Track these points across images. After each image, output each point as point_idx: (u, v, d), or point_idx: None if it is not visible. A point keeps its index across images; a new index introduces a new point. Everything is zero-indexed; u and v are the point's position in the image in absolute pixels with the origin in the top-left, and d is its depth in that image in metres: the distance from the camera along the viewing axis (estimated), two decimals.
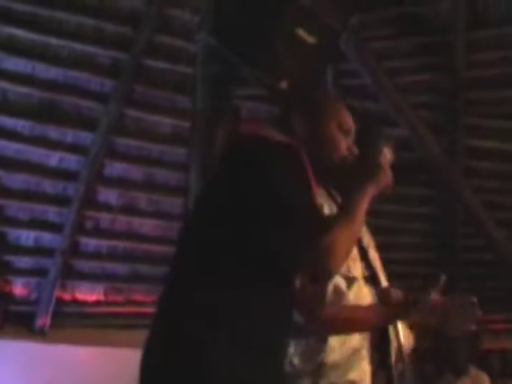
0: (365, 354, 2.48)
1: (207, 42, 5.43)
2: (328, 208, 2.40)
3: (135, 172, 7.16)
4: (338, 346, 2.42)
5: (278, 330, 2.02)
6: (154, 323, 2.00)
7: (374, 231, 3.08)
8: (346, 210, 2.10)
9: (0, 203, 6.82)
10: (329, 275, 2.12)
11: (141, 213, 7.30)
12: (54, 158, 6.86)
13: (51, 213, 7.07)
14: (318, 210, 2.04)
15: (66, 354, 7.02)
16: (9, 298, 7.08)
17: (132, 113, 6.91)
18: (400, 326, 2.61)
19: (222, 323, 1.87)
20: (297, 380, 2.38)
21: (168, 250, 7.45)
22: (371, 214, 3.39)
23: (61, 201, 7.00)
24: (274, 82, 4.43)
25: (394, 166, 2.47)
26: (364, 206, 2.12)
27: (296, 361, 2.39)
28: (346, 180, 2.28)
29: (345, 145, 2.32)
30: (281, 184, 1.93)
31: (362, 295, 2.48)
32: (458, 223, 7.73)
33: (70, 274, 7.26)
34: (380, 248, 2.81)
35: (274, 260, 1.94)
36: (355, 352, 2.45)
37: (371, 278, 2.59)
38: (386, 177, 2.28)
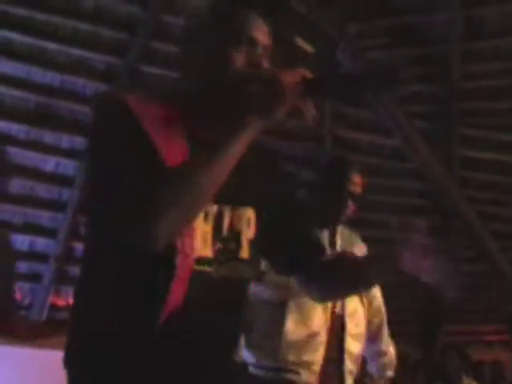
0: (323, 338, 2.82)
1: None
2: None
3: None
4: (296, 329, 2.77)
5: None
6: None
7: (365, 240, 3.12)
8: (195, 161, 1.52)
9: None
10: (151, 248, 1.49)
11: None
12: (49, 163, 6.87)
13: (46, 218, 7.07)
14: (148, 168, 1.49)
15: (58, 360, 6.98)
16: None
17: None
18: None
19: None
20: (258, 358, 2.78)
21: None
22: (361, 222, 3.42)
23: (56, 206, 7.00)
24: None
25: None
26: (234, 150, 1.52)
27: (256, 341, 2.78)
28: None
29: (242, 59, 1.62)
30: (102, 149, 1.56)
31: None
32: (453, 234, 7.74)
33: (64, 280, 7.25)
34: None
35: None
36: (313, 335, 2.80)
37: None
38: (287, 102, 1.50)
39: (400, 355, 3.89)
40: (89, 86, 6.67)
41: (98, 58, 6.58)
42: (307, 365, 2.78)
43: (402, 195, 7.51)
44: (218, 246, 1.64)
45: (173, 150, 1.54)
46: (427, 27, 6.85)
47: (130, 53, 6.52)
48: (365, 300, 3.05)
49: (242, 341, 2.80)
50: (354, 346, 2.93)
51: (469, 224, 7.41)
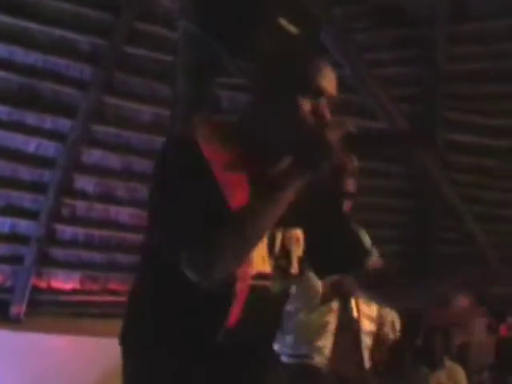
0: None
1: (188, 29, 5.39)
2: None
3: (113, 160, 7.11)
4: None
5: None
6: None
7: None
8: (251, 206, 1.70)
9: None
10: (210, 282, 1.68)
11: (118, 201, 7.26)
12: (31, 145, 6.80)
13: (27, 200, 7.00)
14: (208, 208, 1.67)
15: (41, 343, 6.96)
16: None
17: (111, 100, 6.86)
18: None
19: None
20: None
21: None
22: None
23: (37, 188, 6.94)
24: (255, 71, 4.37)
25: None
26: (283, 200, 1.70)
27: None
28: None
29: (308, 108, 1.76)
30: (169, 187, 1.76)
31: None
32: (435, 216, 7.77)
33: (45, 262, 7.22)
34: None
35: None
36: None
37: None
38: (335, 159, 1.69)
39: (384, 340, 3.94)
40: (72, 68, 6.61)
41: (82, 39, 6.52)
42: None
43: (384, 177, 7.51)
44: (272, 263, 1.86)
45: (238, 194, 1.73)
46: (412, 9, 6.83)
47: (115, 34, 6.47)
48: None
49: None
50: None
51: (452, 206, 7.44)
